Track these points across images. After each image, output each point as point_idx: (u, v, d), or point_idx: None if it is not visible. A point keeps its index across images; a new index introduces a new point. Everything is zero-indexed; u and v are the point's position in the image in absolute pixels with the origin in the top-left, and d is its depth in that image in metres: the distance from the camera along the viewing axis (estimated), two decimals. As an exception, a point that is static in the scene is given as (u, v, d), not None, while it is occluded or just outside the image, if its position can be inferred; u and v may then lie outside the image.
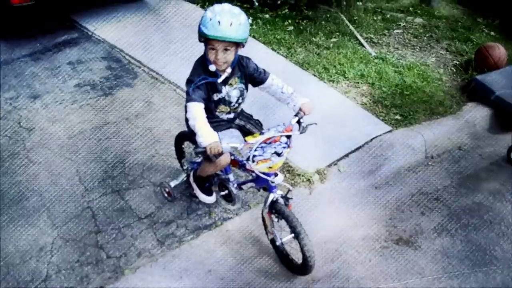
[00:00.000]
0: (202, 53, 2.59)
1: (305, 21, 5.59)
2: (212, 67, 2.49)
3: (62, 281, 2.79)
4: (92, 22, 5.15)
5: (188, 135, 2.94)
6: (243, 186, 2.95)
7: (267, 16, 5.61)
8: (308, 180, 3.49)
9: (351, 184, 3.57)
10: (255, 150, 2.44)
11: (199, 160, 3.10)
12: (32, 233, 3.04)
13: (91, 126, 3.87)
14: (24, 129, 3.80)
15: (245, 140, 2.48)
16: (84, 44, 4.86)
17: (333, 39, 5.21)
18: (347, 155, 3.71)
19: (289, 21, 5.58)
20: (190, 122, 2.47)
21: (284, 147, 2.49)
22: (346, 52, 4.95)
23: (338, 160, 3.68)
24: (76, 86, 4.30)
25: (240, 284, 2.84)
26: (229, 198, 3.05)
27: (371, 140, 3.87)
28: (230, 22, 2.32)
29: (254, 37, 5.01)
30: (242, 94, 2.70)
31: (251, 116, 2.88)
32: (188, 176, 3.20)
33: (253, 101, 2.93)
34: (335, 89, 4.42)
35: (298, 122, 2.57)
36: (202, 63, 2.55)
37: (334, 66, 4.69)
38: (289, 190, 2.71)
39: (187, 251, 2.99)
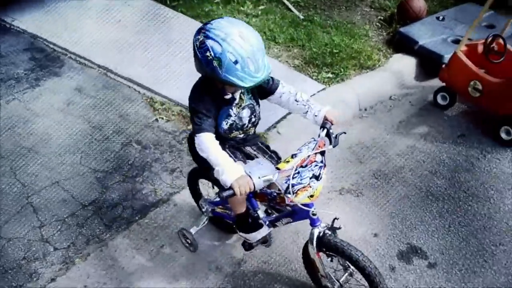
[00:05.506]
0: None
1: (231, -9, 5.54)
2: (228, 96, 2.17)
3: (10, 281, 2.72)
4: (9, 13, 4.83)
5: (202, 171, 2.58)
6: (277, 223, 2.48)
7: (192, -11, 5.51)
8: (250, 145, 3.53)
9: (291, 144, 3.64)
10: (293, 177, 2.04)
11: (218, 199, 2.73)
12: (-29, 237, 2.92)
13: (18, 119, 3.71)
14: None
15: (278, 168, 2.05)
16: (2, 37, 4.58)
17: (261, 7, 5.22)
18: (284, 117, 3.78)
19: (215, -8, 5.51)
20: (204, 155, 2.09)
21: (321, 167, 2.13)
22: (274, 18, 4.98)
23: (277, 123, 3.75)
24: (-2, 81, 4.08)
25: (199, 254, 2.87)
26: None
27: (307, 100, 3.95)
28: (261, 60, 1.99)
29: (181, 11, 4.92)
30: (254, 111, 2.31)
31: (268, 147, 2.50)
32: (209, 218, 2.84)
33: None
34: (267, 55, 4.41)
35: (327, 134, 2.22)
36: (204, 88, 2.17)
37: (264, 33, 4.70)
38: (335, 218, 2.27)
39: (137, 230, 2.98)
